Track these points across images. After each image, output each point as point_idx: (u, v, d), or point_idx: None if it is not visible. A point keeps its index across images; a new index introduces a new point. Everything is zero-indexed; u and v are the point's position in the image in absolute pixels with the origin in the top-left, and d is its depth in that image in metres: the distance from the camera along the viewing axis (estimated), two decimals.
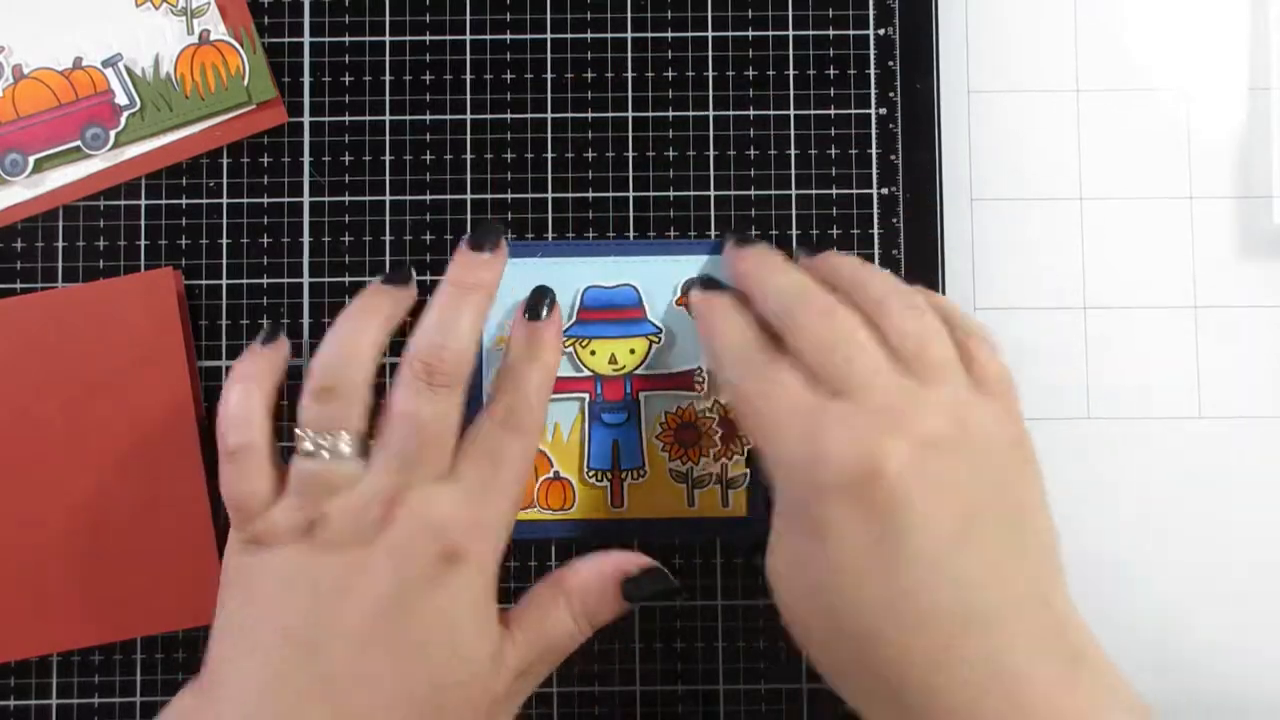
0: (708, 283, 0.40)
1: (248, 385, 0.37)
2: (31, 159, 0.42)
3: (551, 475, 0.42)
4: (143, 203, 0.43)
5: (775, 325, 0.37)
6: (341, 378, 0.36)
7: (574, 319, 0.42)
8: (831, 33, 0.44)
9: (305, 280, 0.43)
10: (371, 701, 0.33)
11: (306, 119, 0.43)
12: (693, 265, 0.42)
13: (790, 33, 0.44)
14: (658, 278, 0.42)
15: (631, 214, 0.43)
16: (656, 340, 0.42)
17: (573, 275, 0.42)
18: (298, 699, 0.32)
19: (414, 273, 0.40)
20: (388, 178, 0.43)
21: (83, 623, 0.40)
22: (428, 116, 0.43)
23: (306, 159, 0.43)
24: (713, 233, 0.43)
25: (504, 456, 0.37)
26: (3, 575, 0.40)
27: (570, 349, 0.41)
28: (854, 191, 0.43)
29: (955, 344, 0.35)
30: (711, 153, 0.43)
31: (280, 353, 0.38)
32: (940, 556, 0.31)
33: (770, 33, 0.44)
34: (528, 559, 0.42)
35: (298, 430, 0.36)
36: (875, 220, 0.43)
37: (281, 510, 0.35)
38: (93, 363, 0.40)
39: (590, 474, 0.42)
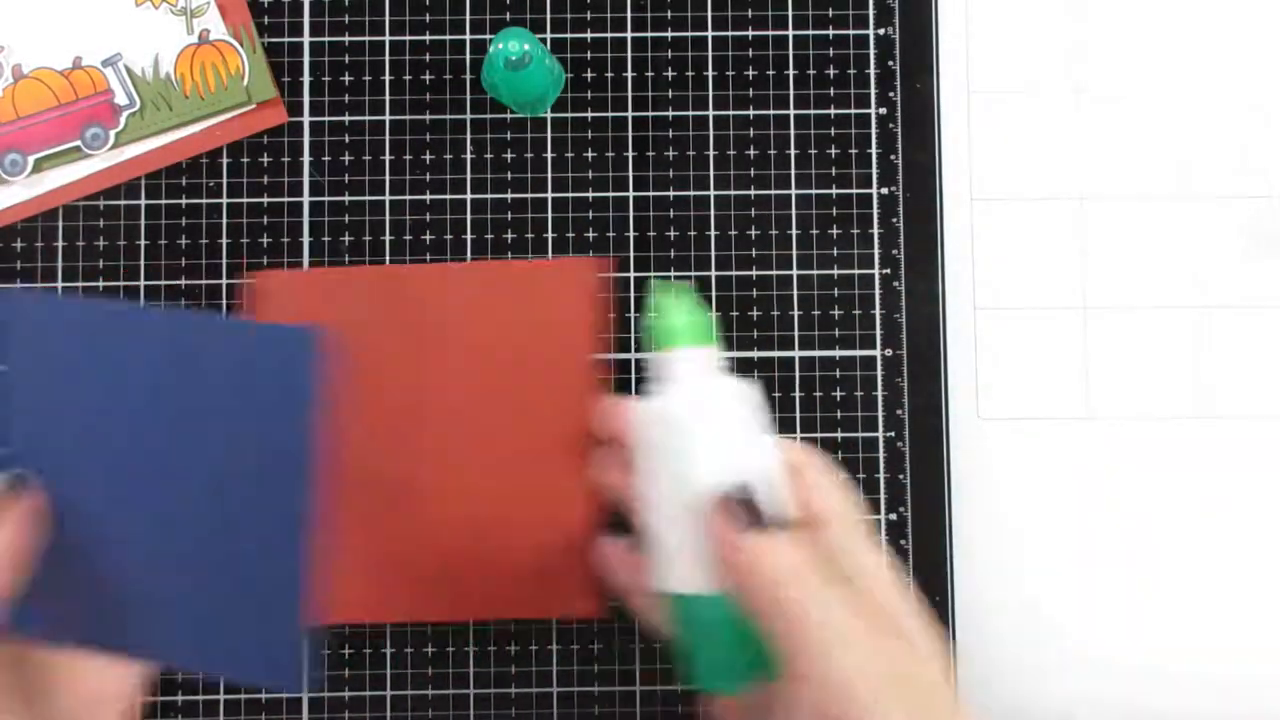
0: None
1: None
2: (31, 159, 0.42)
3: None
4: (143, 203, 0.43)
5: None
6: None
7: None
8: (831, 33, 0.44)
9: None
10: None
11: (306, 119, 0.43)
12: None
13: (790, 33, 0.44)
14: None
15: (631, 214, 0.43)
16: None
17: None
18: None
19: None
20: (388, 178, 0.43)
21: (443, 598, 0.39)
22: (428, 117, 0.43)
23: (306, 159, 0.43)
24: (713, 232, 0.43)
25: None
26: (377, 538, 0.38)
27: None
28: (854, 191, 0.43)
29: None
30: (711, 153, 0.43)
31: None
32: None
33: (770, 33, 0.44)
34: None
35: None
36: (875, 220, 0.43)
37: None
38: (505, 342, 0.38)
39: None
